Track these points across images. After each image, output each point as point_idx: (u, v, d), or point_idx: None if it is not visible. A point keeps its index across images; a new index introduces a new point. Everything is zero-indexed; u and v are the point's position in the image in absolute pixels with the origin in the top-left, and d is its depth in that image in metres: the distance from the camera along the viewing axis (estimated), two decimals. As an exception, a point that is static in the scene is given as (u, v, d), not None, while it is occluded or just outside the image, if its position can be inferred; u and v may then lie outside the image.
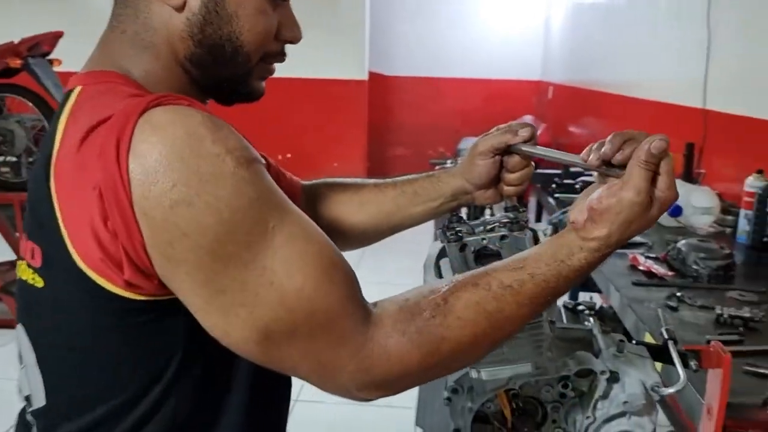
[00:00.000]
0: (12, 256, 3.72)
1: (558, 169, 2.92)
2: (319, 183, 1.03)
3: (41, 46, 3.18)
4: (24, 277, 0.68)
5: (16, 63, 3.09)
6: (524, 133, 0.86)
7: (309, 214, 0.79)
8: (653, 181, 0.64)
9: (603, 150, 0.68)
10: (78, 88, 0.67)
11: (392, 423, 2.72)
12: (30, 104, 3.25)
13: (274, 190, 0.61)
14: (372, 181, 1.02)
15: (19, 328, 0.71)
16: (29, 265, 0.67)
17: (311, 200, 1.01)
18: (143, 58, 0.68)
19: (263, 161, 0.63)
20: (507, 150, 0.88)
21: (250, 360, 0.62)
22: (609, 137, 0.70)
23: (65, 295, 0.63)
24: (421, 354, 0.60)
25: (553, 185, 2.86)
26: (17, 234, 3.73)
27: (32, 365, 0.69)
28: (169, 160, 0.55)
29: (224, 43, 0.68)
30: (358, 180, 1.03)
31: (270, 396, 0.77)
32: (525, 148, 0.86)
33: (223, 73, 0.71)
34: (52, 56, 3.29)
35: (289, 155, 5.99)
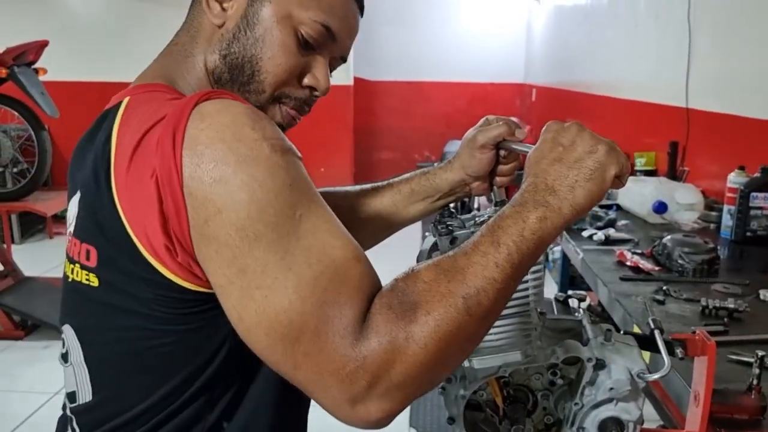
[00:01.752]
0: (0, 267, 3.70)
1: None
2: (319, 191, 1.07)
3: (27, 55, 3.17)
4: (77, 278, 0.71)
5: (2, 72, 3.07)
6: (520, 135, 0.90)
7: None
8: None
9: None
10: (126, 99, 0.72)
11: (385, 424, 2.72)
12: (16, 114, 3.23)
13: (306, 180, 0.63)
14: (369, 185, 1.04)
15: (66, 328, 0.75)
16: (83, 266, 0.70)
17: None
18: (185, 67, 0.76)
19: (299, 155, 0.65)
20: (501, 142, 0.91)
21: (256, 353, 0.62)
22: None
23: (122, 292, 0.66)
24: (406, 335, 0.58)
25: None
26: (4, 245, 3.71)
27: (79, 363, 0.73)
28: (213, 141, 0.59)
29: (245, 64, 0.73)
30: (357, 187, 1.05)
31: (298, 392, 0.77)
32: (514, 145, 0.89)
33: (237, 91, 0.75)
34: (37, 65, 3.28)
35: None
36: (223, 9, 0.74)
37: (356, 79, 6.29)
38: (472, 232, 0.77)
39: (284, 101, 0.77)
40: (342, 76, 5.95)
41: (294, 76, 0.75)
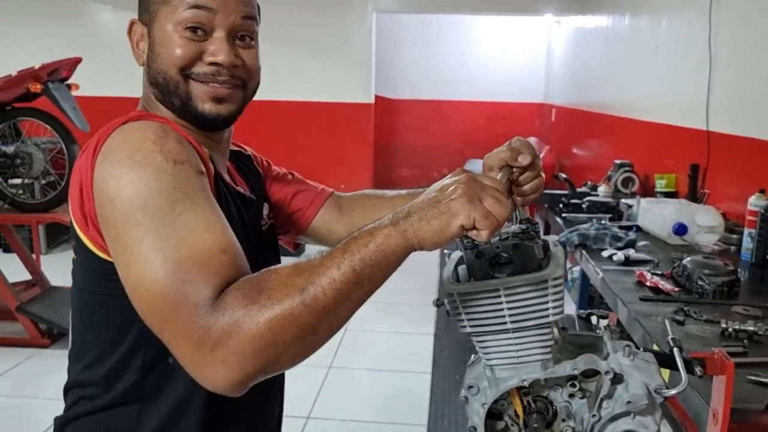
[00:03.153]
0: (27, 276, 3.78)
1: (565, 190, 2.98)
2: (359, 193, 1.21)
3: (61, 71, 3.27)
4: (73, 256, 0.91)
5: (37, 88, 3.17)
6: (523, 160, 0.90)
7: (347, 222, 1.11)
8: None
9: None
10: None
11: (402, 440, 2.74)
12: (48, 127, 3.32)
13: (193, 186, 0.77)
14: (405, 191, 1.15)
15: None
16: (72, 244, 0.89)
17: (349, 204, 1.17)
18: (151, 107, 0.94)
19: (200, 169, 0.80)
20: (512, 168, 0.92)
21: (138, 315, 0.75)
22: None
23: (76, 262, 0.88)
24: (246, 312, 0.67)
25: (560, 205, 2.91)
26: (33, 255, 3.79)
27: (71, 321, 0.93)
28: (119, 148, 0.77)
29: (157, 77, 0.90)
30: (394, 191, 1.16)
31: None
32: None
33: (174, 100, 0.91)
34: (70, 81, 3.38)
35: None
36: (140, 52, 0.92)
37: (377, 98, 6.36)
38: (497, 247, 0.81)
39: (194, 78, 0.89)
40: (363, 95, 6.04)
41: (194, 59, 0.88)
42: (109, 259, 0.79)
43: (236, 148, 1.10)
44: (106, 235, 0.78)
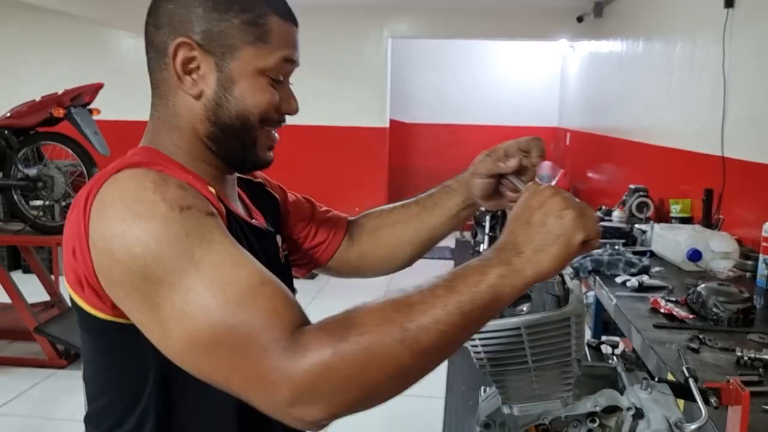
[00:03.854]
0: (46, 297, 3.83)
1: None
2: (361, 215, 1.15)
3: (83, 96, 3.35)
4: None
5: (60, 113, 3.24)
6: (511, 164, 0.92)
7: (357, 246, 1.09)
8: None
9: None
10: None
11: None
12: (70, 151, 3.39)
13: (208, 226, 0.71)
14: (400, 203, 1.11)
15: None
16: None
17: (357, 230, 1.12)
18: (172, 136, 0.84)
19: (209, 210, 0.73)
20: (501, 176, 0.94)
21: (190, 373, 0.69)
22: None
23: (80, 324, 0.79)
24: (333, 351, 0.62)
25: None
26: (52, 276, 3.85)
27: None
28: (115, 202, 0.70)
29: (234, 122, 0.82)
30: (389, 206, 1.12)
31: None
32: (513, 179, 0.92)
33: (235, 145, 0.84)
34: (92, 106, 3.46)
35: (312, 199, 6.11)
36: (194, 80, 0.81)
37: (392, 122, 6.42)
38: None
39: (267, 126, 0.86)
40: (378, 119, 6.10)
41: (275, 108, 0.84)
42: (108, 318, 0.74)
43: (245, 176, 1.03)
44: (121, 300, 0.71)
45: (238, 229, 0.85)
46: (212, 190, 0.82)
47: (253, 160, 0.87)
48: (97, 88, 3.43)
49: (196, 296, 0.66)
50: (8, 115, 3.41)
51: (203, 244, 0.68)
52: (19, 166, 3.40)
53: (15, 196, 3.48)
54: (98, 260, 0.70)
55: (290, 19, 0.84)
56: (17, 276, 3.87)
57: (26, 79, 5.50)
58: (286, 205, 1.08)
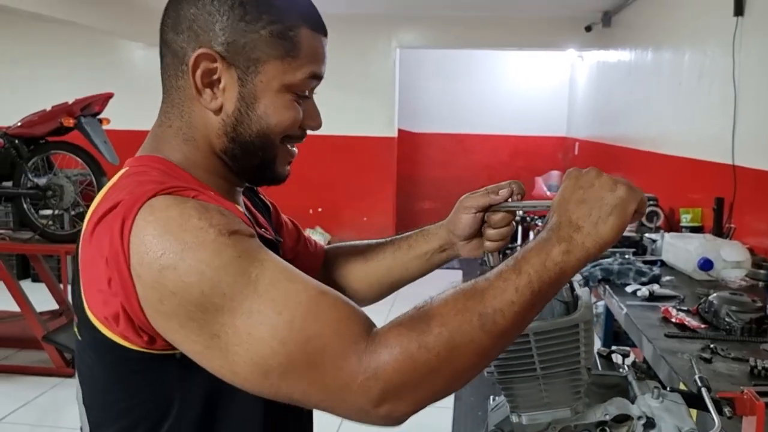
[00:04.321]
0: (55, 306, 3.84)
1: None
2: (334, 246, 1.13)
3: (93, 106, 3.38)
4: (75, 330, 0.79)
5: (70, 122, 3.27)
6: (503, 192, 0.93)
7: (325, 275, 1.04)
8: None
9: None
10: (125, 168, 0.79)
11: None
12: (79, 160, 3.41)
13: (255, 247, 0.69)
14: (375, 241, 1.09)
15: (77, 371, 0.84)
16: (75, 321, 0.79)
17: (330, 262, 1.10)
18: (184, 148, 0.80)
19: (251, 232, 0.71)
20: (489, 208, 0.93)
21: (263, 396, 0.68)
22: None
23: (89, 348, 0.75)
24: (418, 345, 0.64)
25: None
26: (61, 285, 3.86)
27: (81, 403, 0.81)
28: (160, 233, 0.66)
29: (255, 140, 0.78)
30: (365, 242, 1.10)
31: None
32: (503, 206, 0.92)
33: (254, 161, 0.80)
34: (101, 116, 3.48)
35: (320, 209, 6.12)
36: (214, 93, 0.76)
37: (400, 131, 6.43)
38: None
39: (288, 142, 0.83)
40: (387, 129, 6.11)
41: (298, 125, 0.81)
42: (136, 348, 0.71)
43: (271, 185, 1.00)
44: (174, 332, 0.68)
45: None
46: (241, 209, 0.80)
47: (271, 176, 0.84)
48: (107, 97, 3.45)
49: (260, 317, 0.64)
50: (19, 124, 3.43)
51: (255, 264, 0.67)
52: (29, 175, 3.43)
53: (25, 205, 3.50)
54: (145, 293, 0.66)
55: (321, 30, 0.80)
56: (26, 285, 3.88)
57: (38, 89, 5.54)
58: (278, 219, 1.06)
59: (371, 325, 0.67)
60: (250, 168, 0.82)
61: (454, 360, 0.65)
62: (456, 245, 0.99)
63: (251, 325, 0.64)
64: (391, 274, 1.05)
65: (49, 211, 3.54)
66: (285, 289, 0.66)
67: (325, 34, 0.82)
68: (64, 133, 3.43)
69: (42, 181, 3.45)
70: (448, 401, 3.28)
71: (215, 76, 0.76)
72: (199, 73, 0.75)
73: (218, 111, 0.77)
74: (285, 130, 0.79)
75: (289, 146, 0.83)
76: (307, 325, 0.64)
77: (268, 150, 0.80)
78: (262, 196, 1.03)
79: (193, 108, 0.78)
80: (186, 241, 0.65)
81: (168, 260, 0.65)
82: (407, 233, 1.07)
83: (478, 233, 0.96)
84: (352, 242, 1.12)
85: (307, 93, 0.81)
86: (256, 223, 0.90)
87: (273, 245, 0.89)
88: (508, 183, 0.94)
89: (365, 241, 1.10)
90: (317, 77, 0.80)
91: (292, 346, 0.64)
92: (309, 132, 0.86)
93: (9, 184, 3.48)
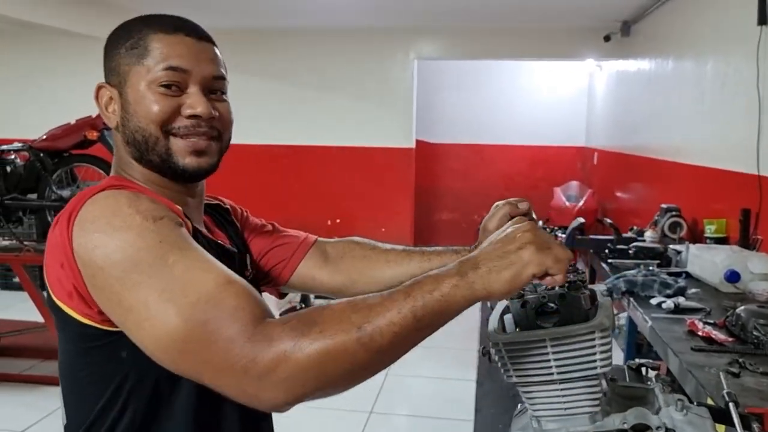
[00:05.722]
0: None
1: (609, 235, 2.93)
2: (347, 239, 1.18)
3: (116, 119, 3.43)
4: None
5: (94, 135, 3.33)
6: (523, 205, 0.99)
7: (338, 266, 1.13)
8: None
9: None
10: None
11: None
12: (102, 173, 3.46)
13: (179, 235, 0.79)
14: (401, 247, 1.14)
15: None
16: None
17: (338, 252, 1.15)
18: (125, 168, 0.94)
19: (179, 221, 0.82)
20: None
21: (165, 368, 0.75)
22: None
23: (58, 329, 0.87)
24: (294, 343, 0.68)
25: (606, 251, 2.86)
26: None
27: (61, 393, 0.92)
28: (95, 218, 0.79)
29: (135, 134, 0.90)
30: (387, 245, 1.15)
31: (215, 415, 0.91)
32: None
33: (153, 158, 0.91)
34: (124, 129, 3.54)
35: (338, 220, 6.14)
36: (112, 114, 0.92)
37: (418, 142, 6.43)
38: (543, 296, 0.80)
39: (174, 133, 0.90)
40: (405, 140, 6.12)
41: (173, 114, 0.89)
42: (93, 324, 0.81)
43: (214, 202, 1.11)
44: (104, 304, 0.78)
45: (206, 245, 0.89)
46: (179, 207, 0.88)
47: (175, 168, 0.91)
48: (129, 111, 3.51)
49: (170, 296, 0.73)
50: (44, 137, 3.50)
51: (174, 250, 0.76)
52: (54, 188, 3.48)
53: (49, 217, 3.56)
54: (84, 270, 0.78)
55: (180, 30, 0.90)
56: (50, 295, 3.93)
57: (62, 103, 5.64)
58: (246, 225, 1.15)
59: (267, 316, 0.73)
60: (156, 165, 0.91)
61: (326, 366, 0.69)
62: None
63: (161, 302, 0.73)
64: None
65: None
66: (196, 275, 0.74)
67: (189, 34, 0.91)
68: (87, 146, 3.49)
69: (66, 193, 3.51)
70: (468, 413, 3.25)
71: (109, 100, 0.92)
72: (102, 102, 0.93)
73: (117, 126, 0.92)
74: (156, 119, 0.88)
75: (182, 137, 0.90)
76: (208, 308, 0.71)
77: (153, 142, 0.89)
78: (234, 217, 1.13)
79: (114, 133, 0.94)
80: (114, 224, 0.77)
81: (98, 240, 0.77)
82: (439, 248, 1.10)
83: None
84: (359, 239, 1.16)
85: (178, 85, 0.89)
86: (209, 233, 1.00)
87: (227, 253, 0.99)
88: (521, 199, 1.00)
89: (387, 244, 1.14)
90: (175, 69, 0.88)
91: (191, 325, 0.71)
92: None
93: (34, 196, 3.54)
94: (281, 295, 1.22)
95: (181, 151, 0.91)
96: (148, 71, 0.88)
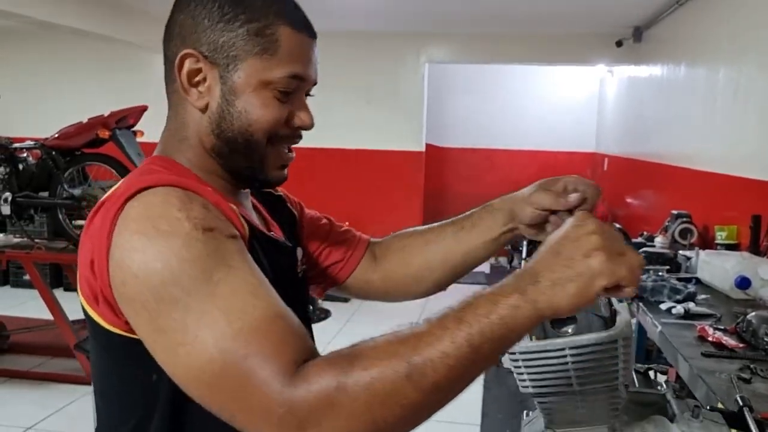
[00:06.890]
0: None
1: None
2: (390, 236, 1.10)
3: (128, 119, 3.45)
4: None
5: (105, 134, 3.34)
6: (573, 199, 0.89)
7: (383, 265, 1.04)
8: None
9: None
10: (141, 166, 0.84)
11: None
12: (114, 172, 3.48)
13: (229, 250, 0.68)
14: (437, 223, 1.05)
15: None
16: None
17: (383, 250, 1.07)
18: (182, 148, 0.83)
19: (232, 233, 0.71)
20: (555, 212, 0.90)
21: (195, 400, 0.66)
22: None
23: (90, 334, 0.77)
24: (337, 384, 0.60)
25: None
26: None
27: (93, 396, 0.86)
28: (140, 216, 0.68)
29: (237, 136, 0.79)
30: (424, 226, 1.07)
31: None
32: (565, 218, 0.87)
33: (240, 162, 0.82)
34: (136, 128, 3.55)
35: (347, 223, 6.13)
36: (200, 92, 0.79)
37: (428, 146, 6.44)
38: None
39: (277, 144, 0.82)
40: (414, 144, 6.12)
41: (282, 124, 0.81)
42: (122, 333, 0.72)
43: (265, 189, 0.98)
44: (132, 317, 0.69)
45: (257, 242, 0.81)
46: (234, 207, 0.78)
47: (261, 179, 0.84)
48: (141, 110, 3.53)
49: (211, 321, 0.63)
50: (56, 136, 3.52)
51: (222, 267, 0.66)
52: (65, 186, 3.50)
53: (60, 215, 3.58)
54: (114, 273, 0.68)
55: (304, 29, 0.81)
56: (59, 293, 3.95)
57: (74, 102, 5.69)
58: (303, 221, 1.05)
59: (309, 355, 0.64)
60: (238, 168, 0.83)
61: (374, 408, 0.59)
62: (518, 227, 0.96)
63: (199, 328, 0.63)
64: (453, 257, 1.01)
65: (83, 222, 3.61)
66: (243, 301, 0.65)
67: (312, 36, 0.82)
68: (99, 145, 3.50)
69: (77, 191, 3.53)
70: (475, 418, 3.24)
71: (200, 76, 0.79)
72: (184, 72, 0.78)
73: (204, 109, 0.80)
74: (267, 128, 0.79)
75: (281, 148, 0.83)
76: (251, 341, 0.62)
77: (253, 149, 0.80)
78: (288, 205, 1.03)
79: (185, 108, 0.81)
80: (160, 228, 0.67)
81: (138, 243, 0.66)
82: (471, 211, 1.02)
83: (543, 223, 0.93)
84: (410, 228, 1.08)
85: (292, 91, 0.80)
86: (264, 226, 0.90)
87: (281, 248, 0.89)
88: (584, 186, 0.89)
89: (425, 227, 1.06)
90: (298, 78, 0.80)
91: (229, 358, 0.62)
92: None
93: (45, 194, 3.56)
94: (323, 295, 1.13)
95: (275, 163, 0.83)
96: (269, 70, 0.78)
